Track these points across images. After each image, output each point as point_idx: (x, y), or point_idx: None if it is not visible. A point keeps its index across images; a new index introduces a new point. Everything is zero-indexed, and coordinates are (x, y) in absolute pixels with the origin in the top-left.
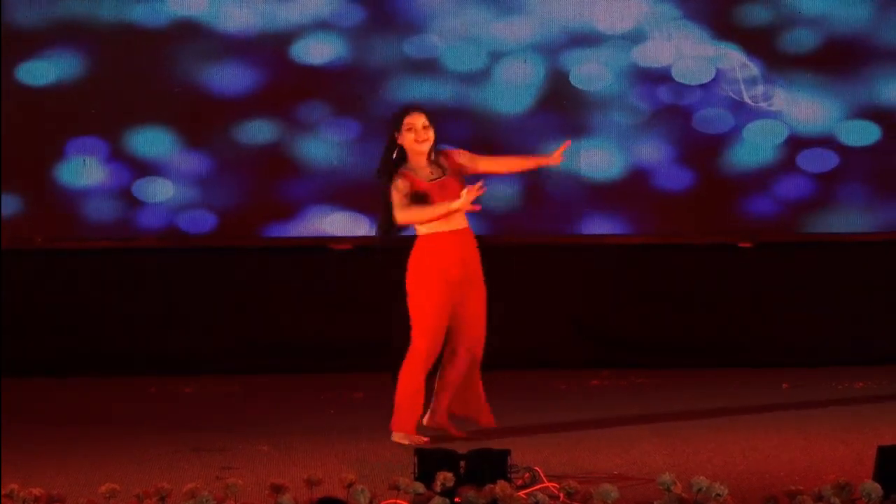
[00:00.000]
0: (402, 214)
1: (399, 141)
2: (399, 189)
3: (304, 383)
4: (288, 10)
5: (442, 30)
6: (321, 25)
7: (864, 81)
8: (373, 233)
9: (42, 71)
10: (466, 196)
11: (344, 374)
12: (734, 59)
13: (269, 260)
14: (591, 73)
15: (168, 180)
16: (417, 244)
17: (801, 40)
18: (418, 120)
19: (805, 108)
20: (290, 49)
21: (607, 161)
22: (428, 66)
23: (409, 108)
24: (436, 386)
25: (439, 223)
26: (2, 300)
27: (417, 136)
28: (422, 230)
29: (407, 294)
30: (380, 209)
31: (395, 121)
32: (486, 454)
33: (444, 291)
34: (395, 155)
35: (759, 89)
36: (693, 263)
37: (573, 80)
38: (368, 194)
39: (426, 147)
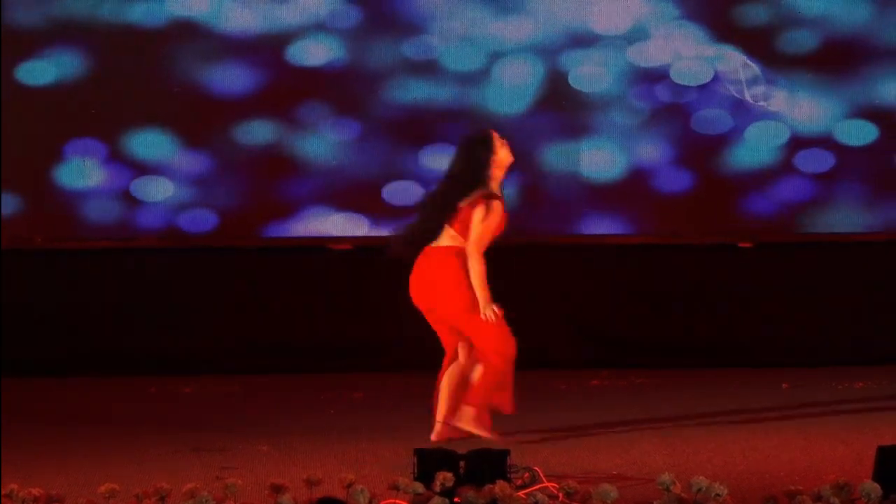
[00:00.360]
0: (480, 263)
1: (495, 162)
2: (497, 218)
3: (303, 383)
4: (287, 11)
5: (441, 30)
6: (320, 26)
7: (862, 81)
8: (371, 233)
9: (41, 71)
10: (493, 314)
11: (343, 375)
12: (734, 59)
13: (269, 260)
14: (590, 73)
15: (168, 180)
16: (459, 254)
17: (801, 40)
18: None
19: (805, 108)
20: (289, 50)
21: (607, 161)
22: (427, 67)
23: (489, 129)
24: (455, 393)
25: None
26: (2, 300)
27: (508, 149)
28: (459, 244)
29: (467, 304)
30: (425, 216)
31: (486, 140)
32: (486, 454)
33: None
34: (489, 172)
35: (760, 89)
36: (693, 263)
37: (572, 81)
38: (368, 195)
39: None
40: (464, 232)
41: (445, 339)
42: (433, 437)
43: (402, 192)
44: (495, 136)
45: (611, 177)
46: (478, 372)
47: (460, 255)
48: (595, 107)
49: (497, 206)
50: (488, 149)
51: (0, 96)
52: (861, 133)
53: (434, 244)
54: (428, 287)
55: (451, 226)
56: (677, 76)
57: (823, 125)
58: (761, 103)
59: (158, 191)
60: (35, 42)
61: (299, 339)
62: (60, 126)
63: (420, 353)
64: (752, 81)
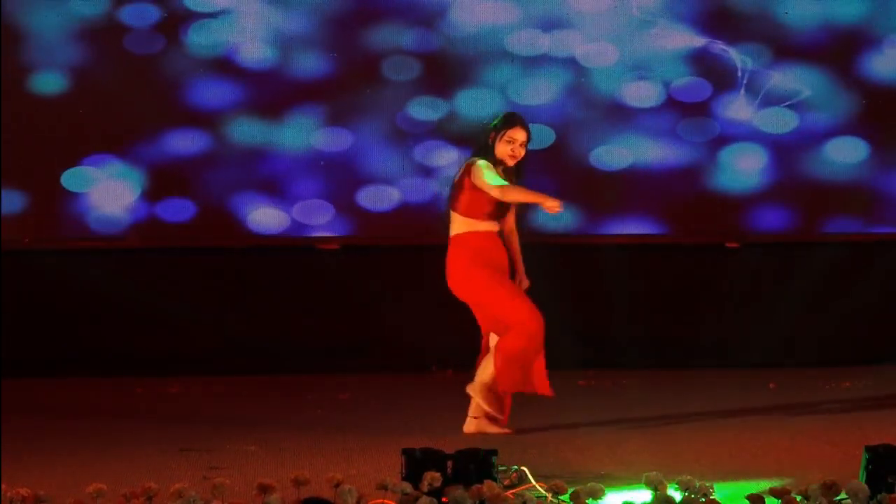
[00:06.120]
0: (505, 189)
1: (493, 144)
2: (490, 167)
3: (290, 384)
4: (281, 15)
5: (436, 28)
6: (312, 28)
7: (856, 80)
8: (359, 233)
9: (39, 79)
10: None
11: (330, 376)
12: (727, 56)
13: (257, 260)
14: (584, 73)
15: (154, 181)
16: (461, 240)
17: (793, 36)
18: (521, 135)
19: (798, 108)
20: (280, 52)
21: (595, 161)
22: (418, 65)
23: (516, 120)
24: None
25: (481, 223)
26: None
27: (514, 151)
28: (463, 229)
29: (473, 289)
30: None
31: (498, 126)
32: (474, 454)
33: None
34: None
35: (752, 88)
36: (680, 263)
37: (554, 83)
38: (357, 194)
39: (513, 163)
40: (466, 208)
41: (482, 329)
42: (465, 428)
43: (386, 194)
44: (510, 132)
45: (602, 178)
46: (497, 356)
47: (458, 238)
48: (587, 108)
49: (488, 162)
50: (490, 131)
51: (0, 100)
52: (853, 132)
53: (450, 233)
54: (448, 277)
55: (454, 208)
56: (669, 77)
57: (816, 126)
58: (754, 102)
59: (144, 192)
60: (28, 50)
61: (287, 340)
62: (54, 130)
63: (407, 353)
64: (746, 79)
